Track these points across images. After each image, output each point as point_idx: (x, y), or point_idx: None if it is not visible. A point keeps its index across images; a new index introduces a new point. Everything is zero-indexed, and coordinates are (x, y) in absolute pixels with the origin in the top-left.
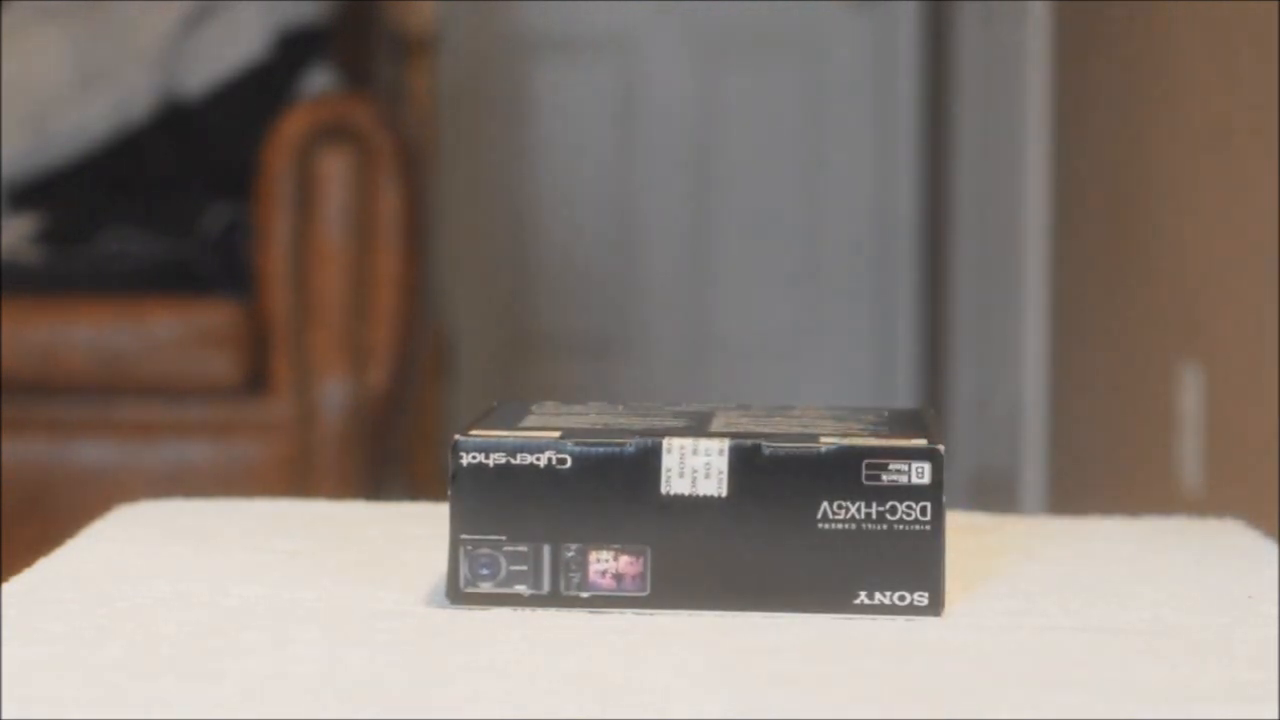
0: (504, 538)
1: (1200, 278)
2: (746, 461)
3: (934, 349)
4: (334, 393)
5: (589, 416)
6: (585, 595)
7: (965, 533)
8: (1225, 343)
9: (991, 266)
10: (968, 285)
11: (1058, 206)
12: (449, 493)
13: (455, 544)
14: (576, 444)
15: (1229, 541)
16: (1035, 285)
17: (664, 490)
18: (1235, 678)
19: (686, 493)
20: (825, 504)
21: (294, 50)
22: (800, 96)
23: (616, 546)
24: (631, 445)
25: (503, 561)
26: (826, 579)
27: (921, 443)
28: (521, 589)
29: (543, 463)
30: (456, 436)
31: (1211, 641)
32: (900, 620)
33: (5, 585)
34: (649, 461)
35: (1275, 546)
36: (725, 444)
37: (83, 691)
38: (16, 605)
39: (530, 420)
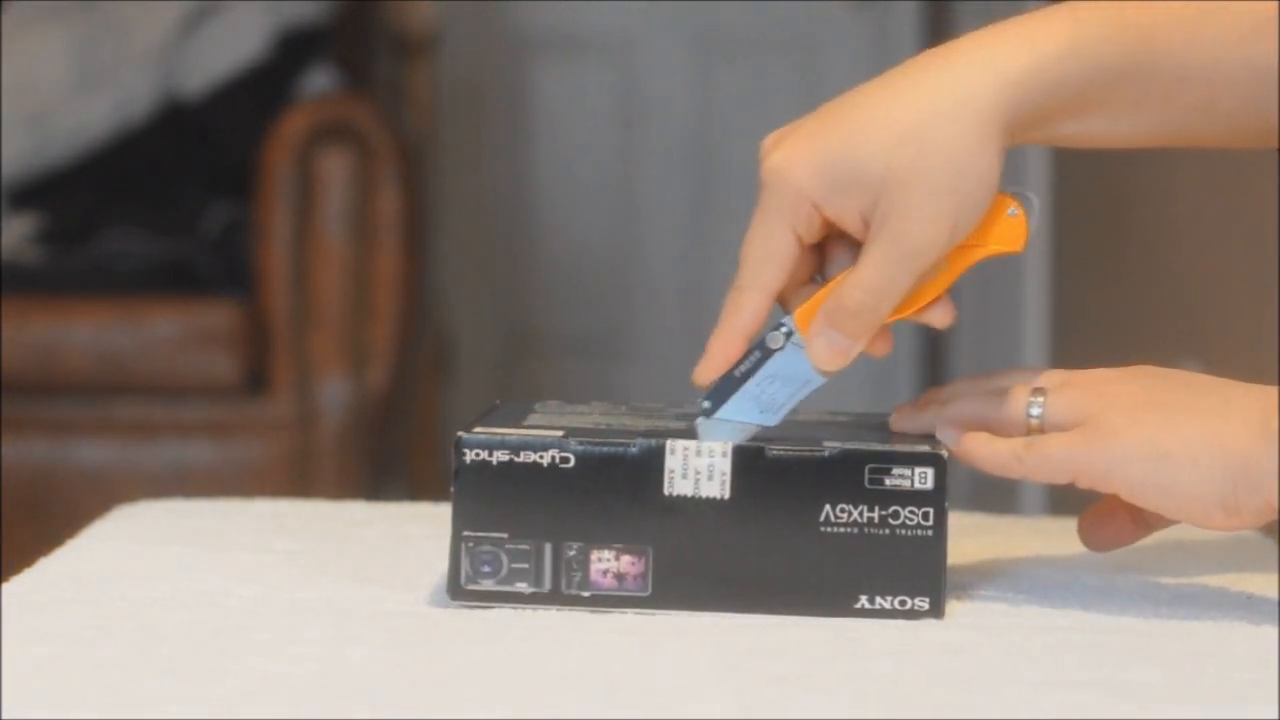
0: (506, 535)
1: (1199, 275)
2: (749, 464)
3: (934, 349)
4: (334, 393)
5: (592, 416)
6: (586, 594)
7: (965, 533)
8: (1224, 339)
9: (991, 266)
10: (968, 285)
11: (1057, 205)
12: (451, 489)
13: (457, 541)
14: (580, 443)
15: (1229, 541)
16: (1035, 285)
17: (667, 491)
18: (1235, 678)
19: (689, 494)
20: (828, 507)
21: (294, 50)
22: (800, 96)
23: (618, 546)
24: (635, 446)
25: (504, 559)
26: (828, 582)
27: (925, 448)
28: (522, 587)
29: (546, 461)
30: (460, 433)
31: (1211, 641)
32: (900, 620)
33: (5, 585)
34: (652, 462)
35: (1275, 546)
36: (728, 446)
37: (83, 691)
38: (16, 605)
39: (533, 419)
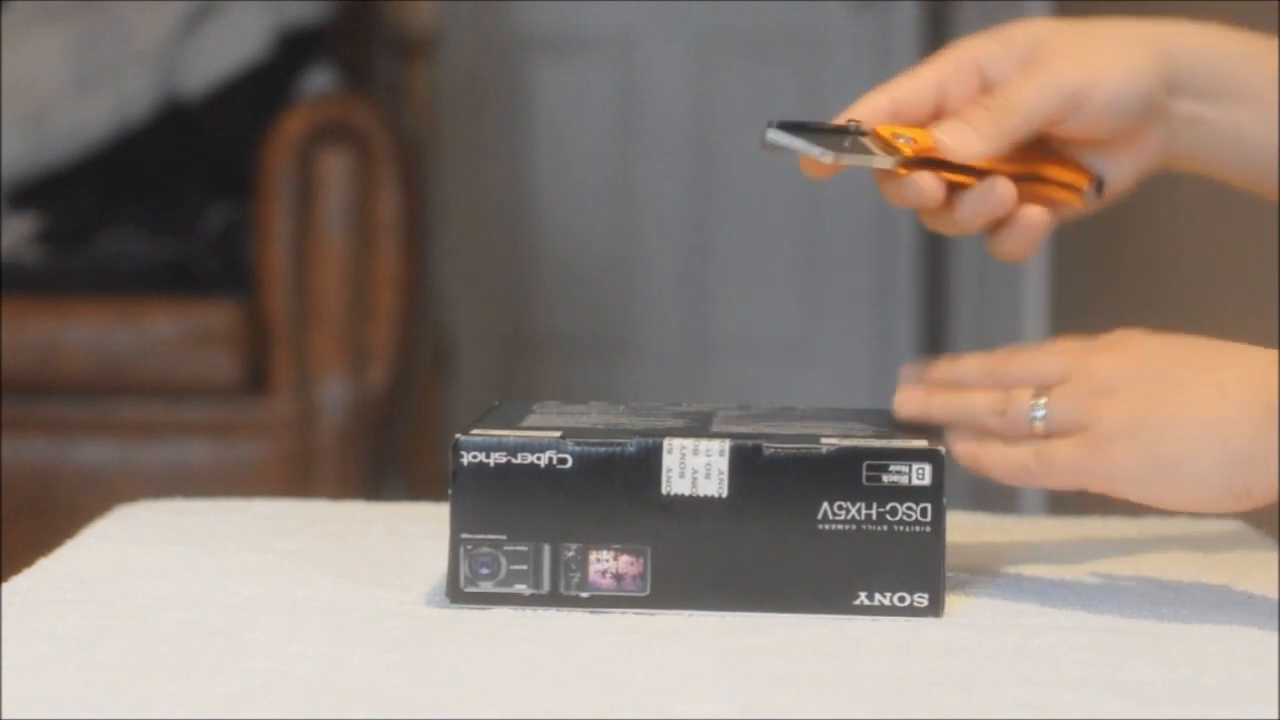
0: (504, 537)
1: (1199, 276)
2: (747, 462)
3: (934, 349)
4: (334, 393)
5: (590, 416)
6: (585, 595)
7: (965, 533)
8: (1224, 339)
9: (991, 266)
10: (968, 285)
11: None
12: (449, 491)
13: (455, 543)
14: (577, 444)
15: (1229, 541)
16: (1035, 285)
17: (664, 490)
18: (1235, 678)
19: (687, 493)
20: (825, 505)
21: (294, 50)
22: (800, 96)
23: (616, 546)
24: (632, 445)
25: (503, 561)
26: (826, 580)
27: (922, 444)
28: (521, 588)
29: (543, 462)
30: (458, 435)
31: (1211, 641)
32: (900, 620)
33: (5, 585)
34: (649, 461)
35: (1275, 546)
36: (726, 444)
37: (83, 691)
38: (16, 605)
39: (531, 420)
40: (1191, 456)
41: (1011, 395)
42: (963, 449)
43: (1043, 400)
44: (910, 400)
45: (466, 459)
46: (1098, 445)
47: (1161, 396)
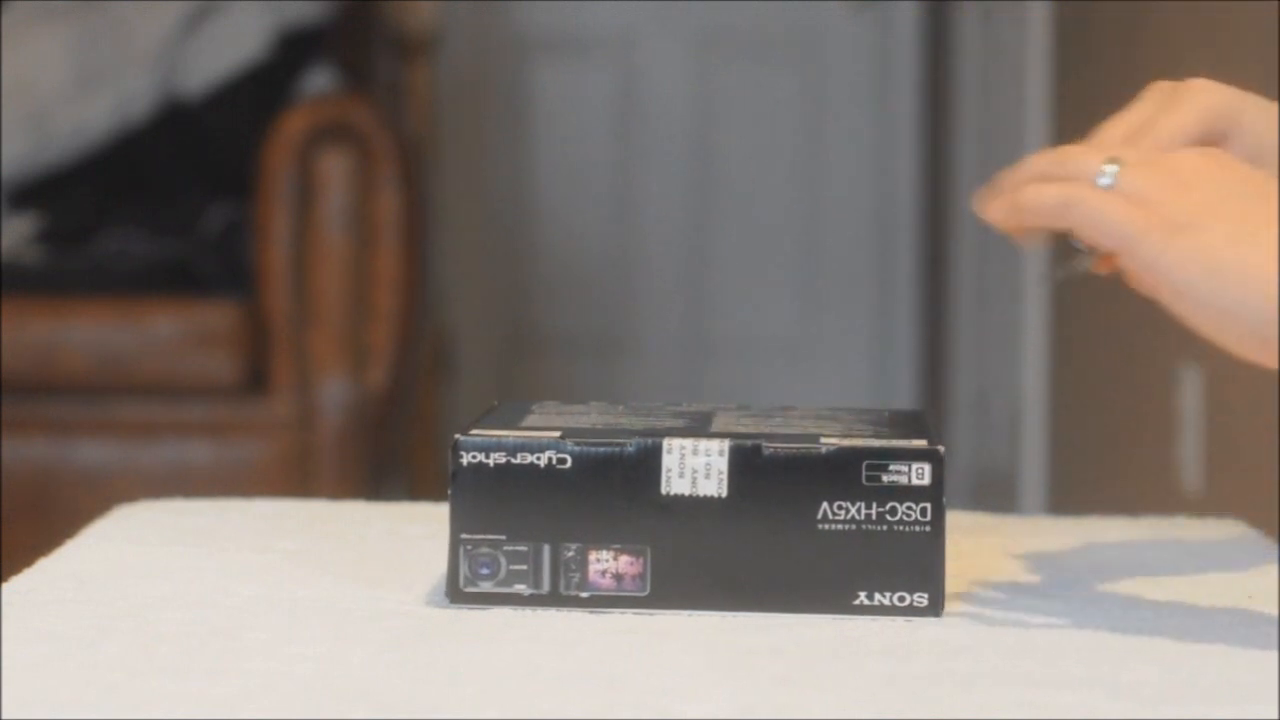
0: (504, 537)
1: None
2: (746, 462)
3: (934, 349)
4: (334, 393)
5: (589, 416)
6: (585, 595)
7: (965, 533)
8: None
9: (991, 266)
10: (967, 285)
11: None
12: (449, 492)
13: (455, 543)
14: (577, 444)
15: (1229, 542)
16: (1036, 285)
17: (664, 490)
18: (1235, 678)
19: (686, 493)
20: (825, 504)
21: (294, 50)
22: (800, 97)
23: (616, 546)
24: (632, 445)
25: (502, 561)
26: (826, 579)
27: (922, 444)
28: (521, 588)
29: (543, 462)
30: (457, 436)
31: (1211, 641)
32: (900, 620)
33: (5, 585)
34: (649, 461)
35: (1275, 546)
36: (725, 444)
37: (83, 691)
38: (16, 605)
39: (531, 420)
40: (1251, 278)
41: (1080, 153)
42: (994, 198)
43: (1115, 168)
44: (981, 198)
45: (466, 459)
46: (1160, 224)
47: (1245, 209)
